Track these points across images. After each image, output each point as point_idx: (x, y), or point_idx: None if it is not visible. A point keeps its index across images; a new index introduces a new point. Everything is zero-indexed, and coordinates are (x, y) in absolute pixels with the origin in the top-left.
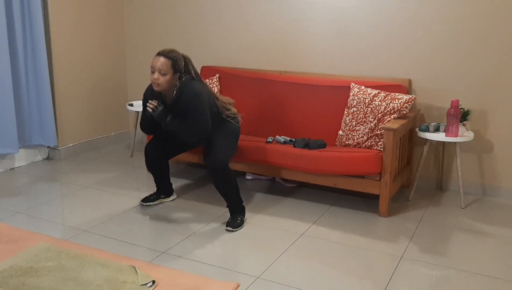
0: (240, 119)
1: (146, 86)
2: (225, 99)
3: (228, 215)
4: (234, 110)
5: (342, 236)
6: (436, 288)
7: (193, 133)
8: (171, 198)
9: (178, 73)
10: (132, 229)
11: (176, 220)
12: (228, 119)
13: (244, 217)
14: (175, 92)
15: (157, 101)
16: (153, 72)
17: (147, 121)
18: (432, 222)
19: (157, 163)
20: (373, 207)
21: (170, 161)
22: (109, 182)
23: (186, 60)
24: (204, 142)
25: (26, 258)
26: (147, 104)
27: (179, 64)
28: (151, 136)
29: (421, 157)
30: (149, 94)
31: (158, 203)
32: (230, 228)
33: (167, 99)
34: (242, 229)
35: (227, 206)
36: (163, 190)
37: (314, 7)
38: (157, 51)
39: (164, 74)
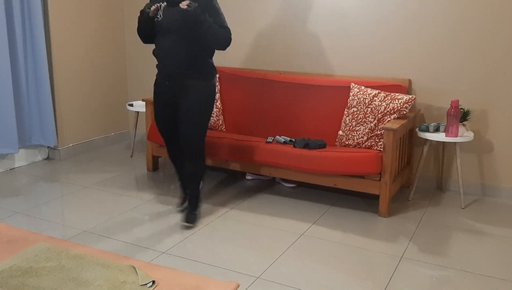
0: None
1: (146, 86)
2: None
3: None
4: None
5: (342, 236)
6: (436, 288)
7: (226, 37)
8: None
9: None
10: (132, 229)
11: (176, 220)
12: (212, 70)
13: (199, 208)
14: None
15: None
16: None
17: (143, 29)
18: (432, 222)
19: (176, 144)
20: (373, 207)
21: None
22: (109, 182)
23: None
24: (183, 88)
25: (26, 258)
26: (181, 3)
27: None
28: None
29: (421, 157)
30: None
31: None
32: (188, 224)
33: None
34: (240, 228)
35: (189, 193)
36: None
37: (314, 7)
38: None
39: None
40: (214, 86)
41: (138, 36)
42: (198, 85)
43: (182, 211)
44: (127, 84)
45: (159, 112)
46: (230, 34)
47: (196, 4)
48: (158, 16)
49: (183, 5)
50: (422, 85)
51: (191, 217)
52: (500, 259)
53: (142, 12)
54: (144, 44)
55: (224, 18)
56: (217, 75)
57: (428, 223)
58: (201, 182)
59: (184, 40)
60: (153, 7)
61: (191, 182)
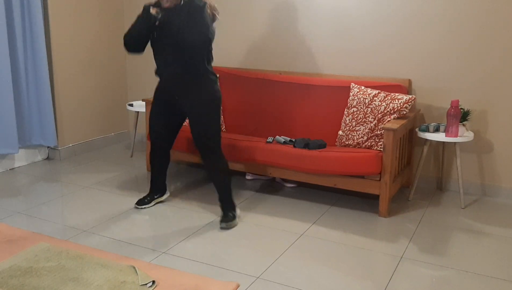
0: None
1: (146, 86)
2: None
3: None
4: None
5: (342, 236)
6: (436, 288)
7: (198, 32)
8: (165, 196)
9: None
10: (132, 229)
11: (176, 220)
12: (212, 76)
13: (235, 212)
14: (181, 2)
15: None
16: None
17: (138, 34)
18: (432, 222)
19: (162, 151)
20: (373, 207)
21: (170, 161)
22: (109, 182)
23: None
24: (188, 100)
25: (26, 258)
26: (151, 8)
27: None
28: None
29: (421, 157)
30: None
31: (153, 205)
32: (224, 225)
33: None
34: (239, 228)
35: (219, 200)
36: (158, 188)
37: (314, 7)
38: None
39: None
40: (217, 90)
41: (124, 43)
42: (201, 94)
43: (139, 208)
44: (127, 84)
45: (156, 108)
46: (202, 29)
47: (162, 13)
48: (158, 17)
49: (153, 10)
50: (422, 85)
51: (224, 220)
52: (500, 259)
53: (140, 15)
54: (128, 51)
55: (204, 20)
56: (217, 80)
57: (428, 223)
58: (227, 185)
59: (175, 52)
60: (155, 9)
61: (216, 186)
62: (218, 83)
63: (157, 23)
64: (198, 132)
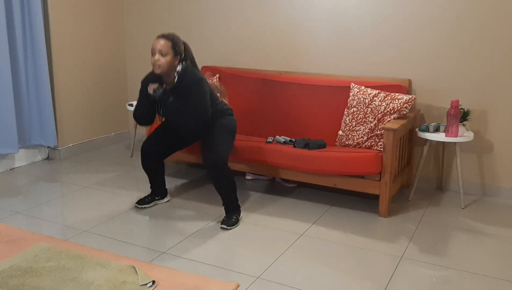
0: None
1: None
2: (221, 89)
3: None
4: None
5: (342, 236)
6: (436, 288)
7: (194, 117)
8: (165, 199)
9: (179, 56)
10: (132, 229)
11: (176, 220)
12: (224, 111)
13: (239, 216)
14: (176, 77)
15: (157, 84)
16: (153, 55)
17: (142, 108)
18: (432, 222)
19: (153, 162)
20: (373, 207)
21: (170, 161)
22: (109, 182)
23: (186, 46)
24: (201, 136)
25: (26, 258)
26: (149, 86)
27: (179, 46)
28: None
29: (421, 157)
30: (149, 80)
31: (153, 205)
32: (225, 226)
33: (167, 84)
34: (239, 228)
35: (223, 205)
36: (158, 191)
37: (314, 7)
38: None
39: (165, 55)
40: (232, 121)
41: (135, 120)
42: (216, 126)
43: (139, 207)
44: (127, 84)
45: (162, 126)
46: (198, 113)
47: (161, 91)
48: (156, 95)
49: (150, 88)
50: (422, 85)
51: (226, 221)
52: (500, 259)
53: (141, 92)
54: (141, 125)
55: (200, 98)
56: (232, 113)
57: (428, 223)
58: (230, 188)
59: (182, 125)
60: (151, 87)
61: (218, 191)
62: (234, 116)
63: (156, 99)
64: (208, 151)
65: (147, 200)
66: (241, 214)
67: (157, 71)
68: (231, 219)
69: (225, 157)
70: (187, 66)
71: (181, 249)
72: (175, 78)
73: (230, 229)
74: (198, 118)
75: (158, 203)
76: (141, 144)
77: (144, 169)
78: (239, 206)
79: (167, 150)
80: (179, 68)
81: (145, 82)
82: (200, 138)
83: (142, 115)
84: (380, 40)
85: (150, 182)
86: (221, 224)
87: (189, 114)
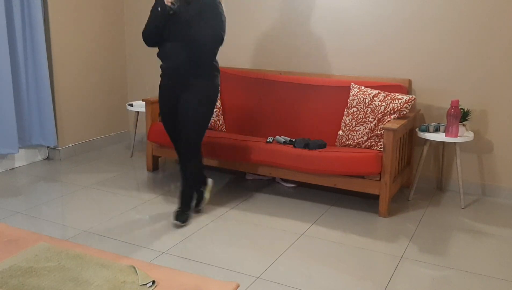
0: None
1: (146, 87)
2: None
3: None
4: None
5: (342, 236)
6: (436, 288)
7: (208, 35)
8: (210, 184)
9: None
10: (132, 229)
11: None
12: (214, 67)
13: (205, 190)
14: None
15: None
16: None
17: (153, 27)
18: (432, 222)
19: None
20: (373, 207)
21: (170, 161)
22: (109, 182)
23: None
24: (189, 82)
25: (26, 258)
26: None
27: None
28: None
29: (421, 157)
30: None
31: (208, 196)
32: (178, 222)
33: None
34: (240, 228)
35: (188, 183)
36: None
37: (315, 7)
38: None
39: None
40: (216, 86)
41: (143, 39)
42: (199, 84)
43: (197, 211)
44: (127, 84)
45: (165, 115)
46: (219, 34)
47: (177, 4)
48: (174, 8)
49: (167, 1)
50: (422, 85)
51: (182, 216)
52: (500, 259)
53: (154, 7)
54: (148, 46)
55: (221, 22)
56: (219, 75)
57: (428, 223)
58: (198, 183)
59: (184, 42)
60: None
61: (187, 181)
62: (219, 78)
63: (171, 13)
64: (185, 124)
65: (186, 216)
66: (209, 183)
67: None
68: (185, 214)
69: (202, 135)
70: None
71: (181, 249)
72: None
73: (184, 225)
74: (212, 36)
75: (207, 191)
76: (143, 144)
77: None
78: (205, 181)
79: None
80: None
81: (158, 2)
82: (186, 93)
83: (153, 35)
84: (380, 40)
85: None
86: (176, 220)
87: (204, 30)
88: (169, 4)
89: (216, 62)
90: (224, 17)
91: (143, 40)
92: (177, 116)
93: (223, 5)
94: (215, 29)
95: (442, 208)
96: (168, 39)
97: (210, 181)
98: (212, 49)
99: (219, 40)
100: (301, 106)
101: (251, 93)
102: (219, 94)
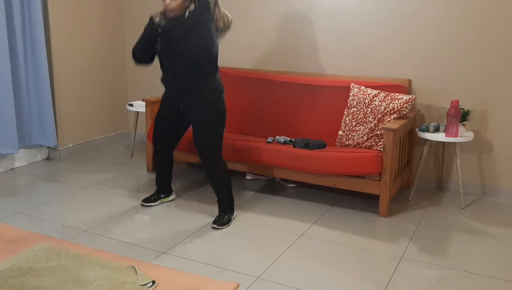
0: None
1: (146, 87)
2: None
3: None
4: None
5: (342, 236)
6: (436, 288)
7: (200, 46)
8: (171, 197)
9: None
10: (132, 229)
11: (176, 220)
12: (218, 85)
13: (232, 215)
14: (186, 14)
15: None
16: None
17: (144, 44)
18: (432, 222)
19: (165, 155)
20: (373, 207)
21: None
22: (109, 182)
23: None
24: (193, 99)
25: (26, 258)
26: (155, 16)
27: None
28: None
29: (421, 157)
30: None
31: (159, 204)
32: (216, 226)
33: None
34: (240, 228)
35: (217, 201)
36: (164, 188)
37: (314, 7)
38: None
39: None
40: (221, 103)
41: (132, 54)
42: (205, 107)
43: (145, 205)
44: (127, 84)
45: (161, 119)
46: (206, 50)
47: (166, 21)
48: (161, 24)
49: (156, 18)
50: (422, 85)
51: (218, 220)
52: (500, 259)
53: (146, 27)
54: (135, 62)
55: (210, 37)
56: (223, 91)
57: (428, 223)
58: (225, 188)
59: (181, 66)
60: (158, 16)
61: (213, 188)
62: (224, 94)
63: (160, 30)
64: (200, 142)
65: (153, 198)
66: (234, 214)
67: (170, 15)
68: (223, 218)
69: (219, 150)
70: (200, 6)
71: (181, 249)
72: (185, 16)
73: (221, 228)
74: (202, 52)
75: (164, 201)
76: (143, 144)
77: (157, 162)
78: (232, 205)
79: (177, 134)
80: (191, 7)
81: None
82: (192, 110)
83: (141, 51)
84: (380, 40)
85: (157, 179)
86: (213, 223)
87: (196, 44)
88: (158, 20)
89: (218, 77)
90: (214, 31)
91: (132, 55)
92: (172, 124)
93: (227, 14)
94: (203, 44)
95: (442, 208)
96: (164, 61)
97: (235, 213)
98: (203, 64)
99: (208, 54)
100: (301, 106)
101: (251, 93)
102: (224, 109)
